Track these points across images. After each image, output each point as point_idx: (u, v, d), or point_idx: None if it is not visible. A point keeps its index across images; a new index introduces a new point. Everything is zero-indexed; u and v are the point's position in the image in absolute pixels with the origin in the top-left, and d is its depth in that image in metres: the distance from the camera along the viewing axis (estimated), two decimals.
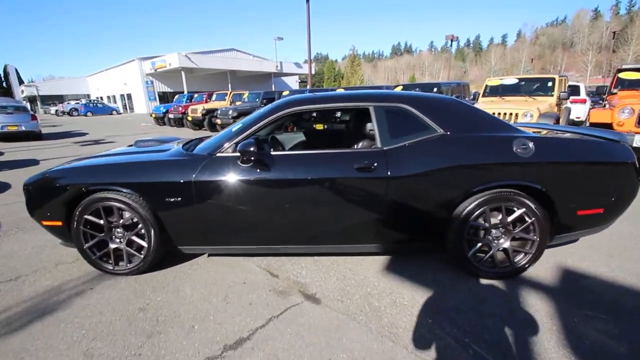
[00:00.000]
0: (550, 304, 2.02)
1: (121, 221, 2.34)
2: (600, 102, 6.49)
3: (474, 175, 2.11)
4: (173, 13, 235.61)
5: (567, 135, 2.38)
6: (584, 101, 9.15)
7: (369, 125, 2.45)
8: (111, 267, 2.44)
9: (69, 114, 32.87)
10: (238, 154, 2.18)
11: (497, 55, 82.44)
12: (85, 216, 2.31)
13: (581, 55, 67.70)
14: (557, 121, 5.58)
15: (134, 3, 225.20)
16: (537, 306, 2.00)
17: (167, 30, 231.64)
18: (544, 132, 2.54)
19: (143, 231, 2.32)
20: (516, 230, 2.22)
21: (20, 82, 45.49)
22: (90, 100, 36.92)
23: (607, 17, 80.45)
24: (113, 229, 2.40)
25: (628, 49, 56.06)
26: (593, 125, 4.99)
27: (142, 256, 2.38)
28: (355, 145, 2.65)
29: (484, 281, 2.27)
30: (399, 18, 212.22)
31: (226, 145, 2.25)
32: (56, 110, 35.57)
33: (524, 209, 2.14)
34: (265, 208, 2.22)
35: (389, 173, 2.10)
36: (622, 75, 5.96)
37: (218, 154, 2.24)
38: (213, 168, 2.19)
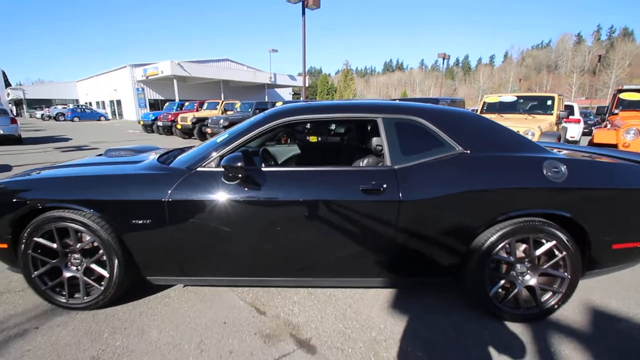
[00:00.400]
0: (590, 358, 1.70)
1: (78, 245, 1.95)
2: (600, 122, 6.42)
3: (499, 202, 1.81)
4: (169, 23, 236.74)
5: (599, 158, 2.13)
6: (578, 121, 9.15)
7: (375, 140, 2.15)
8: (64, 300, 2.03)
9: (55, 118, 32.10)
10: (222, 169, 1.84)
11: (485, 75, 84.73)
12: (36, 239, 1.92)
13: (565, 77, 70.21)
14: (559, 140, 5.41)
15: (132, 11, 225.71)
16: None
17: (162, 39, 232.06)
18: (568, 152, 2.28)
19: (104, 258, 1.93)
20: (544, 266, 1.92)
21: (8, 85, 44.35)
22: (77, 105, 36.18)
23: (590, 42, 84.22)
24: (69, 255, 2.01)
25: (610, 72, 58.37)
26: (597, 145, 4.83)
27: (102, 288, 1.99)
28: (360, 162, 2.33)
29: (505, 324, 1.95)
30: (392, 35, 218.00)
31: (209, 158, 1.91)
32: (42, 115, 34.71)
33: (554, 242, 1.84)
34: (254, 234, 1.87)
35: (400, 196, 1.78)
36: (622, 95, 5.91)
37: (199, 169, 1.89)
38: (192, 185, 1.84)
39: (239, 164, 1.70)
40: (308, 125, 4.56)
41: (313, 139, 4.88)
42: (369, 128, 2.77)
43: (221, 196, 1.81)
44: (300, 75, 33.08)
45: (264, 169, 1.90)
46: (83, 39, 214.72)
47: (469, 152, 1.87)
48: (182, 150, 2.51)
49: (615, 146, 4.63)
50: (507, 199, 1.81)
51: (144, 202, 1.82)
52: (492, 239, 1.83)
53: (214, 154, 1.91)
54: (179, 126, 13.28)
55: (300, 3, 14.96)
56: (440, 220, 1.83)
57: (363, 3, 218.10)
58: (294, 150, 3.43)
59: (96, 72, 40.31)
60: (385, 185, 1.79)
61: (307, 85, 17.47)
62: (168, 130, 14.78)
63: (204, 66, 31.42)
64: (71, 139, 13.97)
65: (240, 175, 1.79)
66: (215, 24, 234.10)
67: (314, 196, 1.81)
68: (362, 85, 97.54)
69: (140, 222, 1.84)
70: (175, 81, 28.52)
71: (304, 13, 15.24)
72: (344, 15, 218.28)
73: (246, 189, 1.82)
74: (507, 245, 1.87)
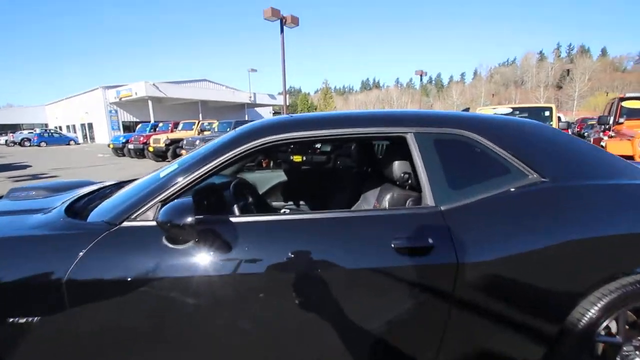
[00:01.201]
0: None
1: None
2: (600, 132, 6.16)
3: (601, 256, 1.18)
4: (144, 45, 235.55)
5: None
6: (567, 131, 9.02)
7: (398, 166, 1.49)
8: None
9: (20, 144, 30.23)
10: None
11: (457, 91, 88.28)
12: None
13: (532, 91, 73.98)
14: None
15: (108, 33, 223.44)
16: None
17: (137, 62, 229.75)
18: None
19: None
20: None
21: None
22: (45, 130, 34.26)
23: (551, 59, 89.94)
24: None
25: (574, 85, 61.92)
26: None
27: None
28: (378, 198, 1.63)
29: None
30: (368, 54, 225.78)
31: (143, 204, 1.18)
32: (6, 140, 32.63)
33: None
34: (218, 330, 1.14)
35: (457, 256, 1.11)
36: (625, 104, 5.66)
37: (126, 223, 1.16)
38: (111, 251, 1.10)
39: (188, 220, 0.99)
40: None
41: (297, 158, 4.19)
42: (379, 146, 2.13)
43: (161, 268, 1.08)
44: (280, 94, 32.81)
45: (234, 219, 1.19)
46: (54, 61, 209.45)
47: (547, 180, 1.24)
48: (119, 186, 1.76)
49: (631, 158, 4.22)
50: (618, 251, 1.18)
51: (27, 286, 1.07)
52: (593, 312, 1.18)
53: (152, 198, 1.18)
54: (151, 148, 12.36)
55: (279, 21, 14.70)
56: (517, 290, 1.17)
57: (339, 23, 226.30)
58: (278, 177, 2.73)
59: (67, 95, 38.66)
60: (431, 240, 1.12)
61: (287, 103, 17.02)
62: (140, 153, 13.77)
63: (181, 87, 30.59)
64: (30, 166, 12.72)
65: (192, 239, 1.08)
66: (192, 45, 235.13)
67: (319, 263, 1.11)
68: (341, 103, 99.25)
69: (22, 321, 1.07)
70: (150, 102, 27.47)
71: (282, 31, 14.95)
72: (321, 36, 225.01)
73: (205, 254, 1.10)
74: (615, 319, 1.23)
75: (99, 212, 1.27)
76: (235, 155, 1.24)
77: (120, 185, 1.79)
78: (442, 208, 1.19)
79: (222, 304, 1.12)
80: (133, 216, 1.16)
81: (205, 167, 1.22)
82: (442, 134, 1.30)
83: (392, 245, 1.11)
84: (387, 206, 1.47)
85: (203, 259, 1.10)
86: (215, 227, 1.15)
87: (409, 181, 1.47)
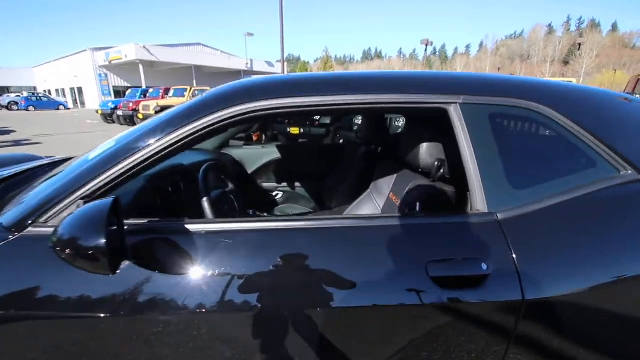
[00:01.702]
0: None
1: None
2: None
3: None
4: (138, 5, 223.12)
5: None
6: None
7: (427, 150, 1.10)
8: None
9: (7, 107, 29.09)
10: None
11: (462, 64, 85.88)
12: None
13: (538, 66, 71.99)
14: None
15: None
16: None
17: (130, 22, 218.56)
18: None
19: None
20: None
21: None
22: (33, 94, 32.92)
23: (560, 33, 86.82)
24: None
25: (582, 61, 60.06)
26: None
27: None
28: (394, 193, 1.24)
29: None
30: (370, 23, 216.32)
31: (59, 201, 0.80)
32: None
33: None
34: None
35: (521, 290, 0.76)
36: None
37: (32, 230, 0.78)
38: (8, 273, 0.74)
39: (99, 242, 0.62)
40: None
41: (294, 131, 3.75)
42: (390, 118, 1.72)
43: (78, 302, 0.72)
44: (278, 62, 31.38)
45: (191, 226, 0.80)
46: (44, 19, 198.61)
47: None
48: (56, 166, 1.35)
49: None
50: None
51: None
52: None
53: (70, 193, 0.79)
54: (140, 115, 11.78)
55: None
56: (596, 333, 0.83)
57: None
58: (270, 153, 2.32)
59: (55, 57, 36.80)
60: (485, 266, 0.76)
61: (286, 72, 16.16)
62: (130, 120, 13.18)
63: (174, 50, 29.13)
64: (15, 132, 12.13)
65: (105, 273, 0.70)
66: (186, 7, 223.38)
67: (316, 297, 0.75)
68: None
69: None
70: (141, 66, 26.17)
71: None
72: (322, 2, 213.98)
73: (144, 281, 0.74)
74: None
75: (12, 213, 0.88)
76: (199, 130, 0.84)
77: (59, 164, 1.39)
78: (500, 216, 0.82)
79: (168, 353, 0.77)
80: (42, 219, 0.78)
81: (152, 147, 0.82)
82: (502, 107, 0.89)
83: (428, 273, 0.75)
84: (412, 204, 1.09)
85: (140, 289, 0.73)
86: (167, 237, 0.78)
87: (442, 170, 1.09)
